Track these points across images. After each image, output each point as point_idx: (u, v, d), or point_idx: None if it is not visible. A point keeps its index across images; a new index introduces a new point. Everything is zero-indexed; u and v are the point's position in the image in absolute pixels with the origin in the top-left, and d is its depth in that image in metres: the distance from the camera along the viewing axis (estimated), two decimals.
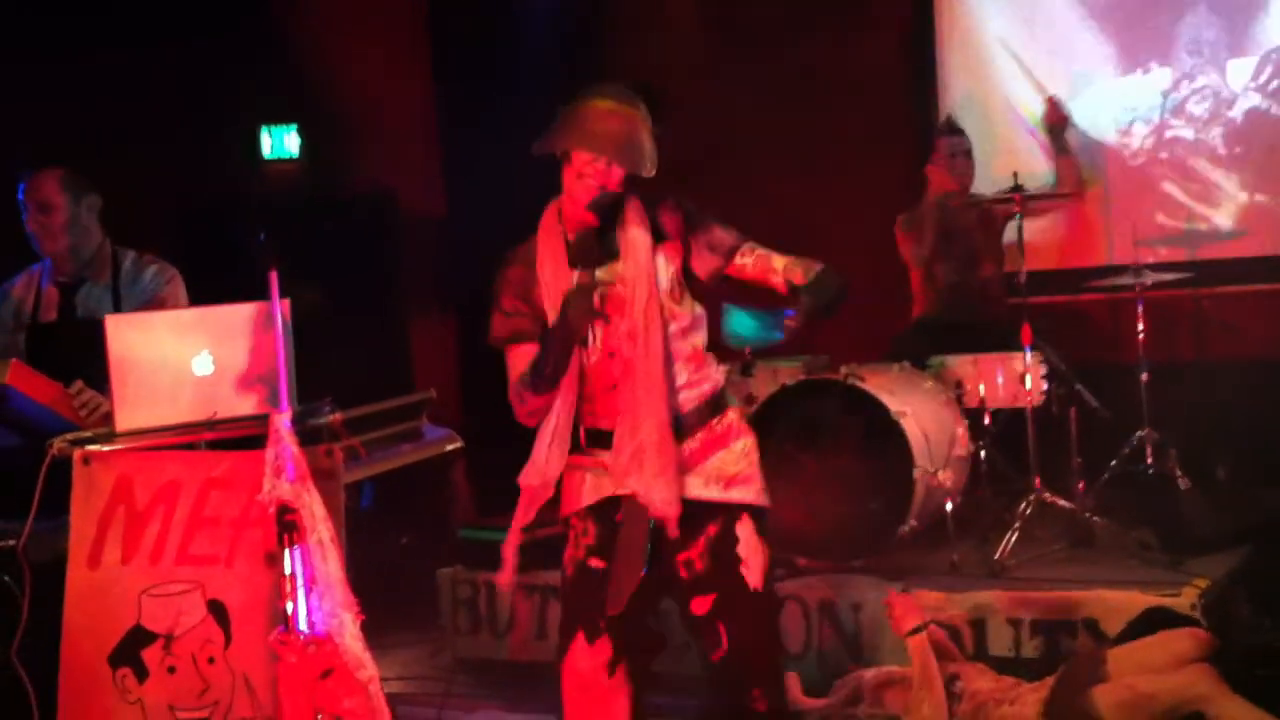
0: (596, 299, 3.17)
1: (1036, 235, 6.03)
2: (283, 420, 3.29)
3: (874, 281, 6.11)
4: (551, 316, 3.24)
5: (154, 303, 4.26)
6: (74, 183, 4.30)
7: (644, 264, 3.25)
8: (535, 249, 3.33)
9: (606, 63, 7.44)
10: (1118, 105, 6.51)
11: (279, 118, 7.05)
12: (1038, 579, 4.72)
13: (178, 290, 4.33)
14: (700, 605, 3.29)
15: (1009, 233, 5.94)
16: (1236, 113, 6.31)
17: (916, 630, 4.12)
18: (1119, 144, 6.52)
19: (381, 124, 7.21)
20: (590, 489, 3.32)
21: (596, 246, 3.20)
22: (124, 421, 3.49)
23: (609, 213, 3.25)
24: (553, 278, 3.26)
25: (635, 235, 3.26)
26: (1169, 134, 6.44)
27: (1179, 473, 5.32)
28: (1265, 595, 4.84)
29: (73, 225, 4.27)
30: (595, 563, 3.30)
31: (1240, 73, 6.29)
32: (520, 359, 3.31)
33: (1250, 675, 3.76)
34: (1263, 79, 6.25)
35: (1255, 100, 6.28)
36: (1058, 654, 4.42)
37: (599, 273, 3.21)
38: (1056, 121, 5.98)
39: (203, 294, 4.38)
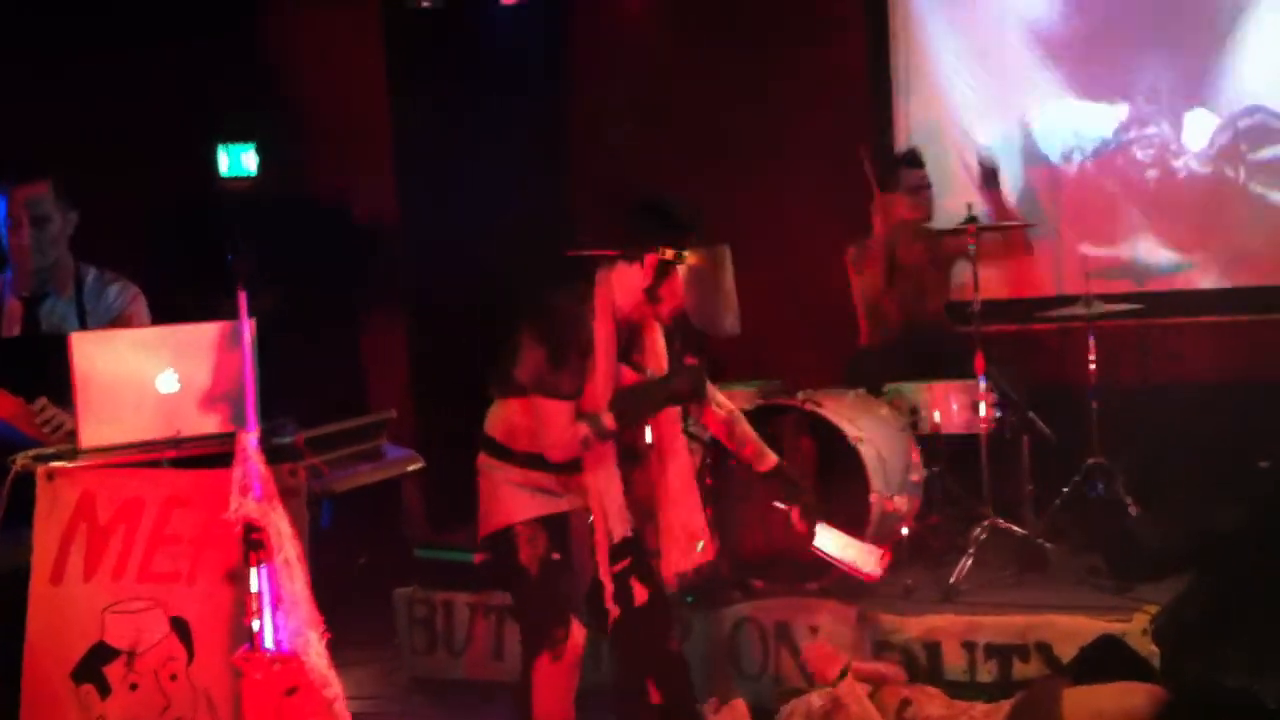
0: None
1: (988, 265, 6.12)
2: (249, 439, 3.30)
3: (828, 304, 6.20)
4: (601, 390, 3.70)
5: (120, 321, 4.22)
6: (62, 194, 4.20)
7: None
8: (592, 321, 3.71)
9: (560, 73, 7.49)
10: (1069, 135, 6.61)
11: (237, 135, 7.02)
12: (991, 603, 4.78)
13: (141, 309, 4.30)
14: (619, 567, 3.84)
15: (957, 272, 6.02)
16: (1181, 166, 6.42)
17: (842, 675, 4.13)
18: (1068, 174, 6.63)
19: (336, 134, 7.20)
20: (537, 504, 3.80)
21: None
22: (88, 438, 3.48)
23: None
24: (606, 359, 3.72)
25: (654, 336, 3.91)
26: (1116, 170, 6.55)
27: (1128, 499, 5.42)
28: (1214, 620, 4.93)
29: (60, 240, 4.21)
30: (556, 555, 3.79)
31: (1197, 127, 6.37)
32: (564, 413, 3.69)
33: None
34: (1217, 146, 6.34)
35: (1206, 168, 6.37)
36: (1011, 677, 4.49)
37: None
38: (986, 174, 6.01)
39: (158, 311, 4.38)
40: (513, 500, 3.78)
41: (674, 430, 3.94)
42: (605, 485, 3.77)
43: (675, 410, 3.92)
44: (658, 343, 3.89)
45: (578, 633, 3.74)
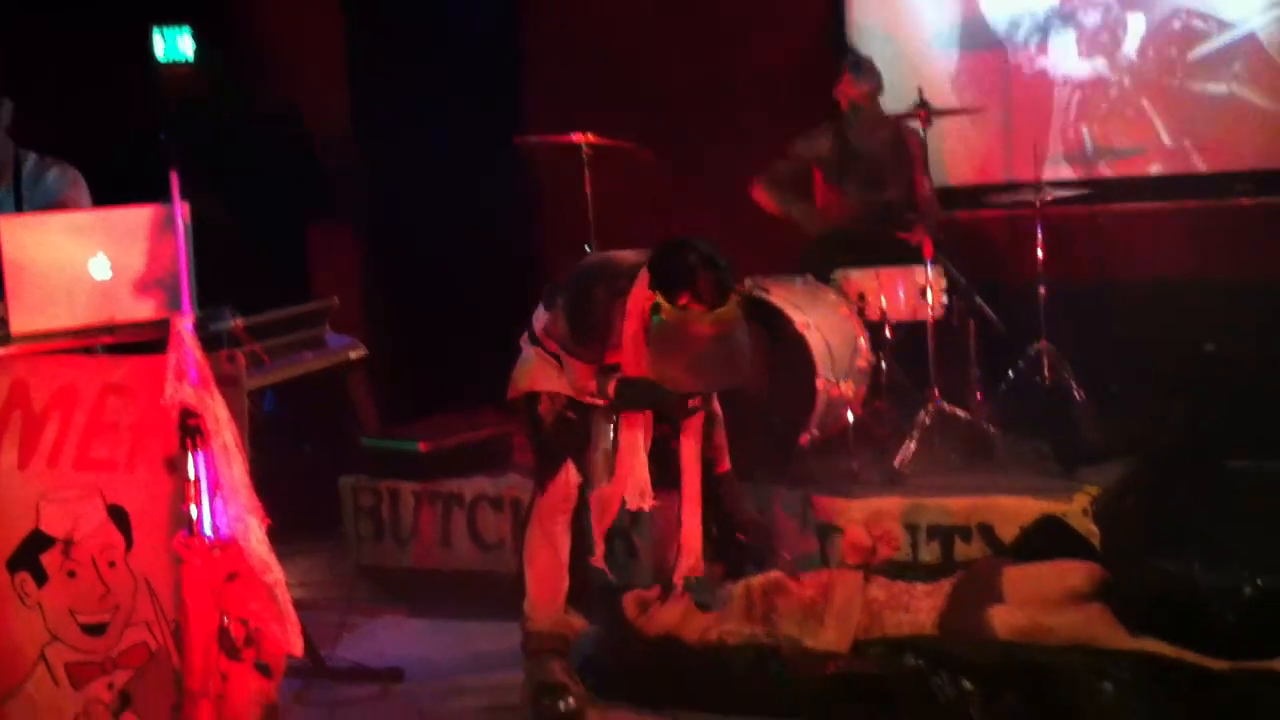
0: None
1: (937, 150, 6.09)
2: (184, 323, 3.24)
3: None
4: (629, 361, 3.88)
5: (57, 205, 4.14)
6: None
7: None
8: (619, 318, 3.86)
9: None
10: (1014, 19, 6.55)
11: (171, 19, 6.86)
12: (934, 486, 4.81)
13: (80, 193, 4.21)
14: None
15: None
16: (1128, 46, 6.38)
17: (861, 568, 4.14)
18: (1016, 60, 6.57)
19: (284, 31, 7.05)
20: (564, 383, 4.05)
21: None
22: (19, 324, 3.42)
23: None
24: (634, 344, 3.84)
25: None
26: (1064, 59, 6.49)
27: (1074, 385, 5.45)
28: (1153, 502, 4.99)
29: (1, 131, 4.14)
30: (570, 414, 4.05)
31: (1130, 32, 6.34)
32: (582, 367, 3.97)
33: (1146, 617, 3.86)
34: (1151, 54, 6.31)
35: (1146, 73, 6.34)
36: (953, 558, 4.53)
37: None
38: None
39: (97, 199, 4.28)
40: (543, 373, 4.08)
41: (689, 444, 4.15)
42: (632, 455, 4.05)
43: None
44: None
45: (570, 476, 4.06)
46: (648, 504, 4.13)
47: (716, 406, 4.29)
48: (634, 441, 4.08)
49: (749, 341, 3.85)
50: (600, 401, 4.03)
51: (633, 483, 4.07)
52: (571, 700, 3.96)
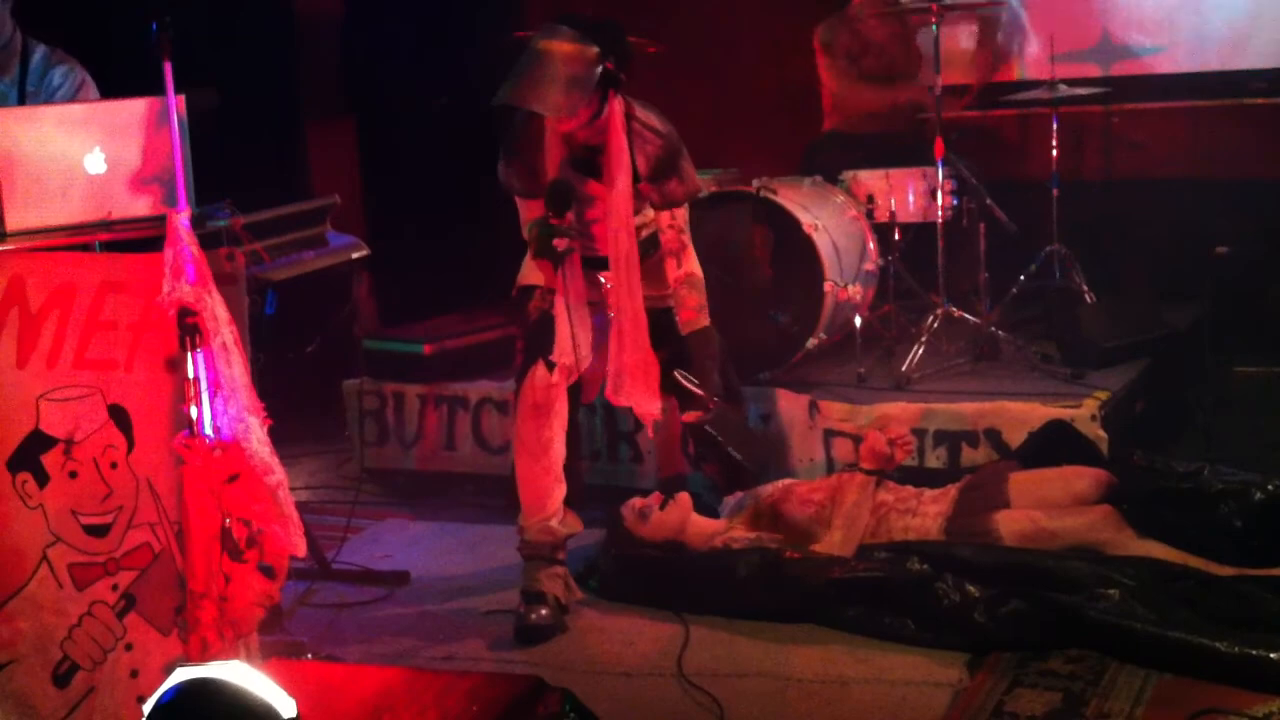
0: (558, 243, 3.92)
1: (950, 48, 5.96)
2: (181, 220, 3.18)
3: (784, 94, 6.05)
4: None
5: None
6: None
7: (621, 208, 3.98)
8: (543, 133, 3.94)
9: None
10: None
11: None
12: (942, 391, 4.78)
13: (89, 96, 4.08)
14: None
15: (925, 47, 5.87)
16: None
17: (873, 473, 4.12)
18: None
19: None
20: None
21: (569, 194, 3.93)
22: (14, 221, 3.34)
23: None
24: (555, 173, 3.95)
25: (616, 174, 3.96)
26: None
27: (1084, 288, 5.39)
28: (1162, 407, 4.96)
29: (2, 13, 4.00)
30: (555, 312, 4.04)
31: None
32: (523, 209, 4.08)
33: (1153, 518, 3.84)
34: None
35: None
36: (959, 464, 4.51)
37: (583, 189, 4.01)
38: None
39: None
40: (533, 267, 4.11)
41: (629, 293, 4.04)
42: (574, 315, 4.01)
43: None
44: (622, 163, 3.98)
45: (539, 379, 4.03)
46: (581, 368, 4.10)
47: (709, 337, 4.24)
48: (577, 306, 4.04)
49: (580, 78, 3.80)
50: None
51: (579, 343, 4.04)
52: (544, 611, 3.94)
